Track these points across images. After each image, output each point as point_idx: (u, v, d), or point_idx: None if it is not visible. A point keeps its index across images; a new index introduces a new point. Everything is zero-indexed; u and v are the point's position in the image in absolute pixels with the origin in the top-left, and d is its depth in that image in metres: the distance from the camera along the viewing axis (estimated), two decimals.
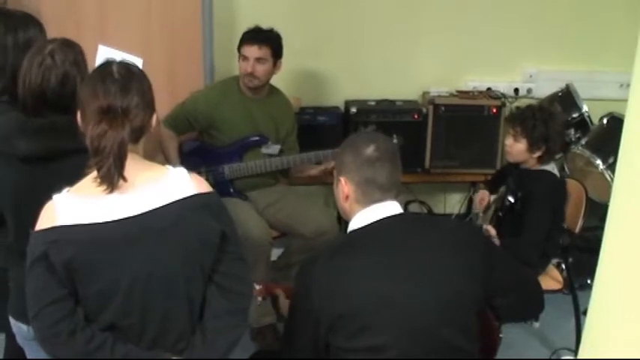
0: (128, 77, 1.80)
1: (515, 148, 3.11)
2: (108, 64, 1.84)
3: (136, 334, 1.82)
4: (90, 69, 2.39)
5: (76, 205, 1.76)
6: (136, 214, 1.77)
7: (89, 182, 1.78)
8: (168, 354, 1.85)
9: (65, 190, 1.80)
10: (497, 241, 2.90)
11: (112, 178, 1.72)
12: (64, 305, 1.77)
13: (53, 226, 1.74)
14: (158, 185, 1.81)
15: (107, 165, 1.70)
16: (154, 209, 1.78)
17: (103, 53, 2.69)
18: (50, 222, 1.75)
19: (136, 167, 1.80)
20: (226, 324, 1.89)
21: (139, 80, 1.83)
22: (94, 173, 1.77)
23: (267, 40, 3.43)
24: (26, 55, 2.07)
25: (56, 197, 1.78)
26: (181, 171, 1.88)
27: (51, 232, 1.74)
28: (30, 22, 2.32)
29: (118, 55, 2.67)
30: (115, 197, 1.76)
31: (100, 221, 1.74)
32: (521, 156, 3.12)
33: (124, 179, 1.74)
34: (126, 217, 1.76)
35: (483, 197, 3.39)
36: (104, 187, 1.73)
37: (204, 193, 1.87)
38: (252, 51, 3.40)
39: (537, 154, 3.07)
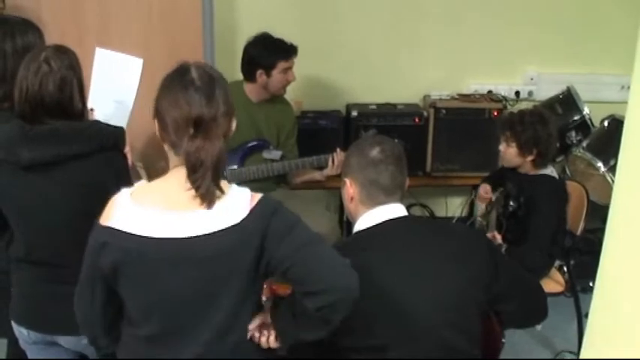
0: (211, 84, 1.68)
1: (508, 152, 3.11)
2: (185, 69, 1.69)
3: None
4: (88, 73, 2.36)
5: (132, 212, 1.67)
6: (182, 236, 1.64)
7: (154, 190, 1.71)
8: None
9: (128, 191, 1.71)
10: (502, 248, 2.90)
11: (213, 195, 1.64)
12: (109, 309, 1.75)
13: (106, 226, 1.67)
14: (216, 207, 1.67)
15: (207, 181, 1.62)
16: (201, 236, 1.64)
17: (100, 56, 2.68)
18: (105, 219, 1.69)
19: None
20: None
21: (221, 85, 1.71)
22: (162, 180, 1.71)
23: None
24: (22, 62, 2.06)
25: (118, 196, 1.70)
26: (244, 193, 1.76)
27: (103, 232, 1.67)
28: (29, 27, 2.31)
29: (117, 58, 2.67)
30: (173, 215, 1.65)
31: (147, 235, 1.64)
32: (515, 160, 3.12)
33: (222, 191, 1.67)
34: (171, 237, 1.64)
35: (487, 190, 3.37)
36: (202, 202, 1.64)
37: (259, 217, 1.71)
38: (292, 61, 3.50)
39: (530, 157, 3.07)
